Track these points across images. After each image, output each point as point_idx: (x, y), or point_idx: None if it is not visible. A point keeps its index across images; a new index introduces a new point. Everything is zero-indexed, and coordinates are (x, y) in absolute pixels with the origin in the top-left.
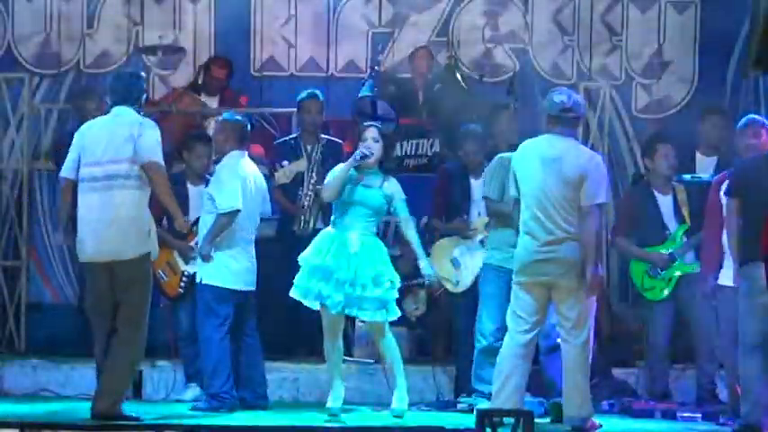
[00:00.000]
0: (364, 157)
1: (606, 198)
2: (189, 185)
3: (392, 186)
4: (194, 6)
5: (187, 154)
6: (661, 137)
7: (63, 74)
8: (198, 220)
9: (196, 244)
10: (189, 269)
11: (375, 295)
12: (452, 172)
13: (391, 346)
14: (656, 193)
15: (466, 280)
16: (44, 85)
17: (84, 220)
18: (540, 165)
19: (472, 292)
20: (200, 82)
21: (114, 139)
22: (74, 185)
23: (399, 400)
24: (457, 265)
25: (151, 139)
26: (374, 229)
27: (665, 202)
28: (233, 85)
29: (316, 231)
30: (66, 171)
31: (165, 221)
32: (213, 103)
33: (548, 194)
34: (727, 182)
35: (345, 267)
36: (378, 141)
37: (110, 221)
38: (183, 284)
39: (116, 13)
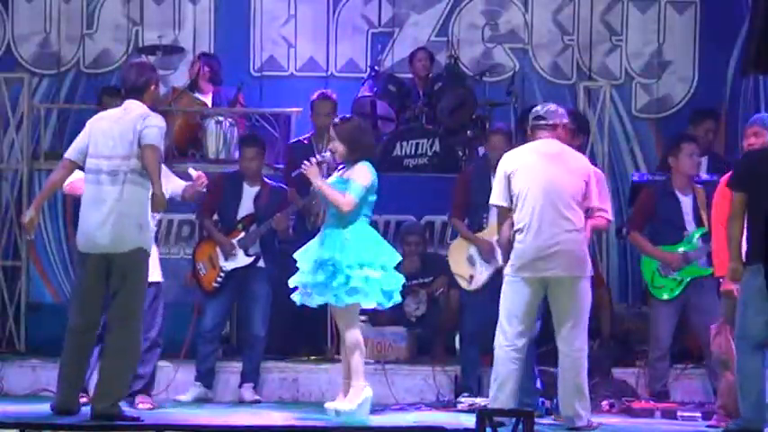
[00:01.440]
0: (321, 162)
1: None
2: (245, 185)
3: (353, 171)
4: (194, 6)
5: (239, 157)
6: (687, 136)
7: (63, 74)
8: (245, 218)
9: (238, 241)
10: (226, 265)
11: (375, 278)
12: (475, 170)
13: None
14: (677, 193)
15: (480, 278)
16: (44, 85)
17: (86, 211)
18: (544, 160)
19: (483, 292)
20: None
21: (123, 134)
22: (72, 168)
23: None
24: (473, 263)
25: (152, 129)
26: (369, 216)
27: (685, 203)
28: (232, 84)
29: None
30: (70, 153)
31: (215, 216)
32: (207, 100)
33: (556, 187)
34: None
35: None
36: (335, 139)
37: (109, 214)
38: (219, 279)
39: (116, 13)
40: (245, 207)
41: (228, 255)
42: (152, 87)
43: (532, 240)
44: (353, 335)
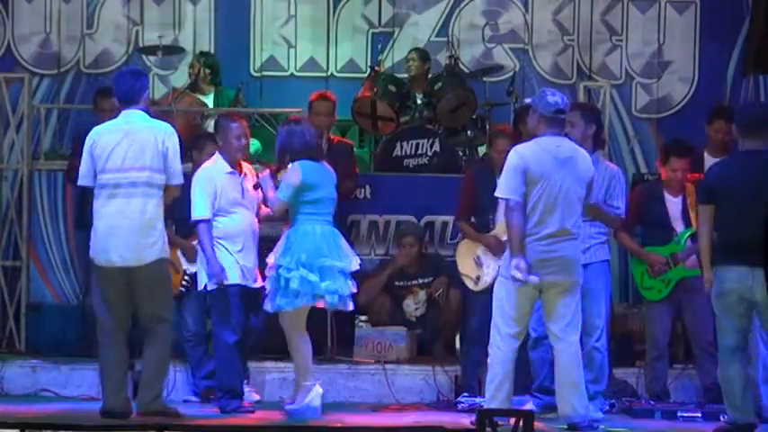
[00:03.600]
0: (257, 186)
1: None
2: None
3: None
4: (194, 6)
5: (197, 153)
6: (679, 149)
7: (63, 74)
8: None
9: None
10: (190, 268)
11: (312, 281)
12: (479, 172)
13: None
14: (666, 194)
15: (487, 279)
16: (44, 85)
17: (106, 226)
18: (556, 165)
19: (489, 293)
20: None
21: (135, 147)
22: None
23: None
24: (480, 264)
25: (177, 158)
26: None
27: (674, 204)
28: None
29: None
30: (85, 179)
31: (168, 221)
32: (208, 101)
33: (562, 194)
34: None
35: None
36: None
37: (134, 227)
38: (184, 283)
39: (116, 13)
40: None
41: (192, 258)
42: (146, 93)
43: (534, 245)
44: (294, 337)
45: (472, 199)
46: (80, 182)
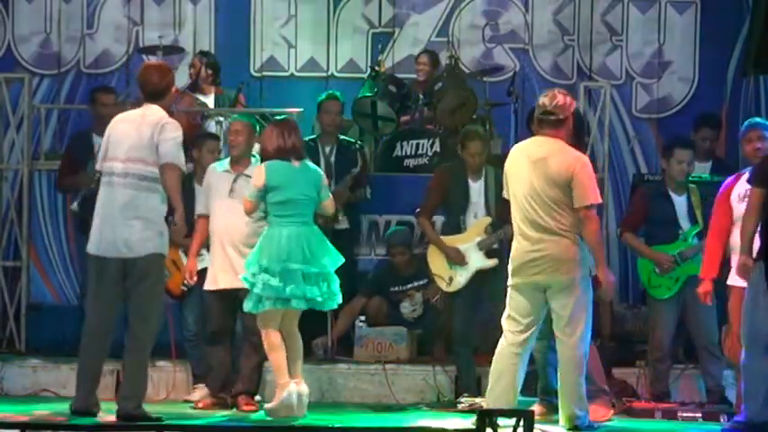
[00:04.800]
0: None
1: (597, 199)
2: (195, 184)
3: None
4: (194, 6)
5: (197, 152)
6: (682, 141)
7: (63, 74)
8: (201, 217)
9: None
10: None
11: (274, 285)
12: (451, 172)
13: None
14: (670, 193)
15: (460, 279)
16: (44, 85)
17: (101, 213)
18: (527, 165)
19: (467, 292)
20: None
21: (140, 139)
22: None
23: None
24: (451, 264)
25: (169, 142)
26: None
27: (679, 202)
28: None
29: (335, 229)
30: (100, 164)
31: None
32: (209, 101)
33: (535, 194)
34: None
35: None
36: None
37: (127, 219)
38: (185, 282)
39: (116, 13)
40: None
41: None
42: (172, 90)
43: (520, 245)
44: (264, 335)
45: (439, 198)
46: (97, 165)
